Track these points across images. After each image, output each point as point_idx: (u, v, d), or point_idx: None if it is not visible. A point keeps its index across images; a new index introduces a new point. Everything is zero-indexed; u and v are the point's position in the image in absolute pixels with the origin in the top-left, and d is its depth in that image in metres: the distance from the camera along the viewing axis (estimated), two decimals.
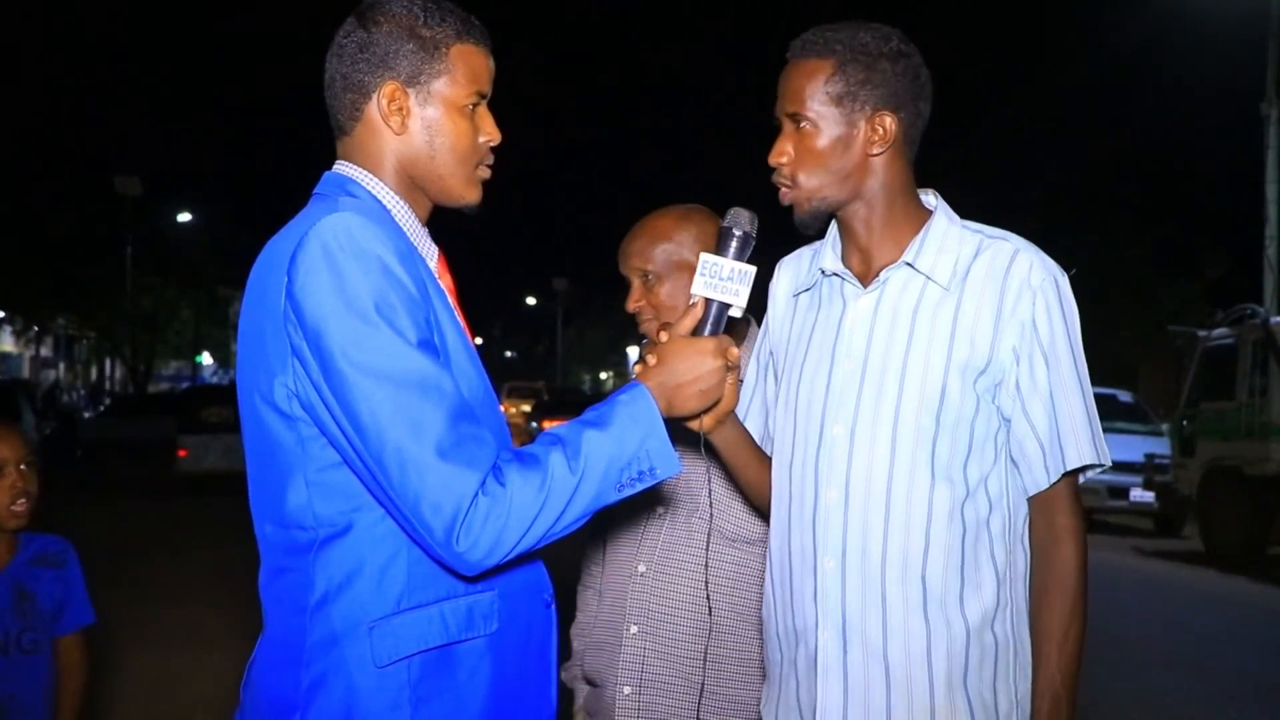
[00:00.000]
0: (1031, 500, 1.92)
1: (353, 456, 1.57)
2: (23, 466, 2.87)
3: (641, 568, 2.39)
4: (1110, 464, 1.92)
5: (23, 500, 2.86)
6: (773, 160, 1.94)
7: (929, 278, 1.92)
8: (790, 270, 2.15)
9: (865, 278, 1.97)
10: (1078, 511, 1.92)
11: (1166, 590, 10.69)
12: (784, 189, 1.95)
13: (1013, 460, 1.92)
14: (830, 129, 1.90)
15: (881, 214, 1.96)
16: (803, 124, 1.91)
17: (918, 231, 1.96)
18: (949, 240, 1.94)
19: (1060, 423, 1.88)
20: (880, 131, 1.91)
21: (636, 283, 2.42)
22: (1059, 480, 1.89)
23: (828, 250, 2.03)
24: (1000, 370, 1.88)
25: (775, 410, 2.10)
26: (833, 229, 2.04)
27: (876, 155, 1.93)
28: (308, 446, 1.60)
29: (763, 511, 2.16)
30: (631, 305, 2.43)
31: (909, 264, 1.93)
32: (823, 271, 2.03)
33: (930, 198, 2.02)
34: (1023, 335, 1.87)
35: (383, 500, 1.58)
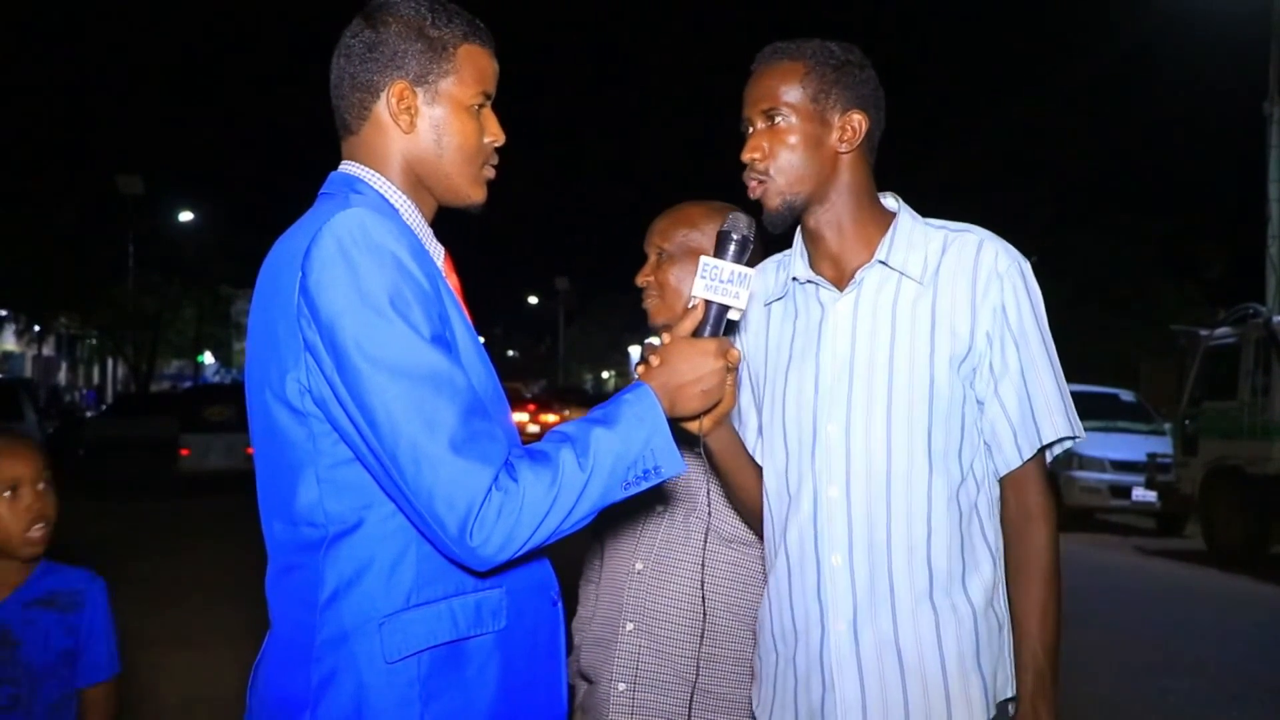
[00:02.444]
0: (1003, 480, 1.99)
1: (365, 452, 1.58)
2: (40, 485, 2.47)
3: (639, 565, 2.41)
4: (1084, 436, 1.99)
5: (41, 525, 2.45)
6: (746, 156, 2.00)
7: (903, 274, 1.98)
8: (758, 280, 2.17)
9: (839, 282, 2.03)
10: (1048, 490, 1.99)
11: (1168, 590, 10.69)
12: (755, 183, 2.00)
13: (985, 442, 1.98)
14: (805, 125, 1.98)
15: (850, 216, 2.02)
16: (778, 120, 1.98)
17: (884, 232, 2.02)
18: (916, 237, 2.01)
19: (1033, 400, 1.94)
20: (850, 130, 1.99)
21: (652, 258, 2.48)
22: (1030, 459, 1.95)
23: (797, 259, 2.08)
24: (978, 356, 1.95)
25: (748, 418, 2.15)
26: (798, 239, 2.09)
27: (845, 154, 2.00)
28: (319, 442, 1.61)
29: (751, 517, 2.20)
30: (640, 279, 2.48)
31: (882, 262, 1.99)
32: (795, 280, 2.07)
33: (890, 200, 2.09)
34: (994, 320, 1.94)
35: (394, 496, 1.58)
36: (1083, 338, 22.43)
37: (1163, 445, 14.74)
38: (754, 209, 2.02)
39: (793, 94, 1.97)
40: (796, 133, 1.97)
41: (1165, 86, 27.78)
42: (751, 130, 2.01)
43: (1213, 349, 13.22)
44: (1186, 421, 13.37)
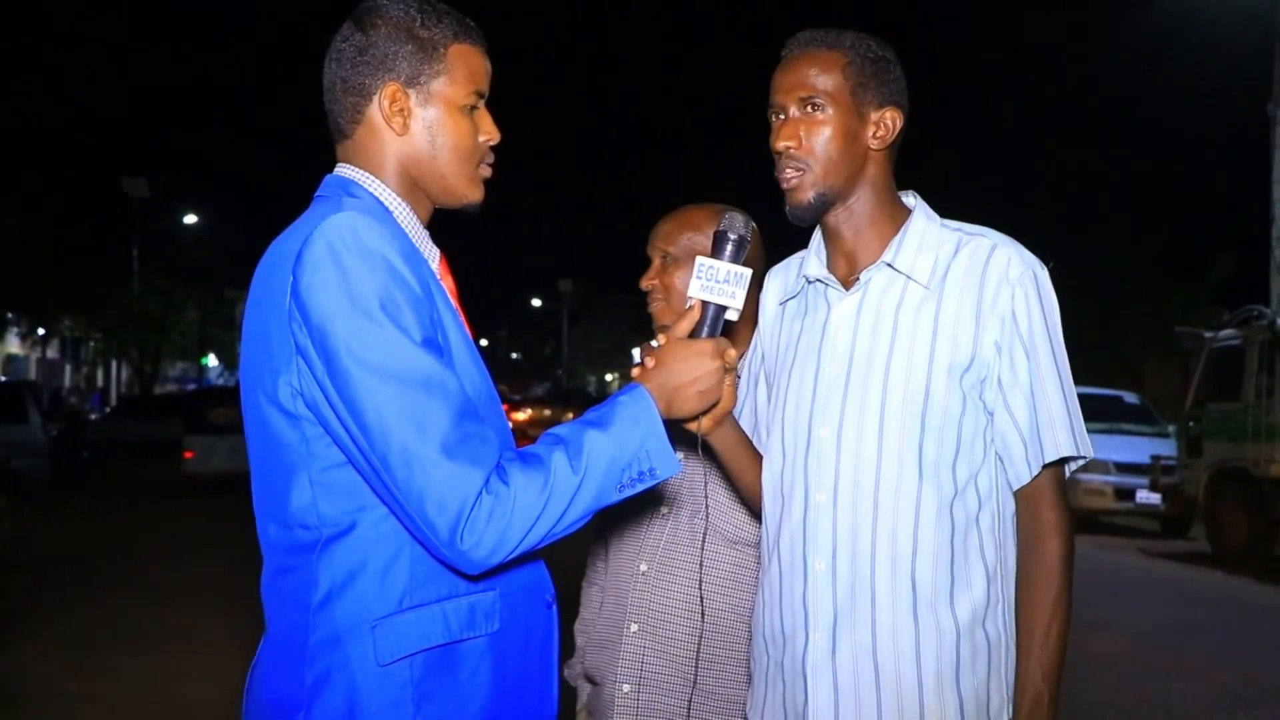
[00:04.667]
0: (1017, 494, 1.93)
1: (357, 455, 1.57)
2: None
3: (644, 566, 2.41)
4: (1092, 455, 1.92)
5: None
6: (780, 144, 1.94)
7: (909, 277, 1.93)
8: (779, 279, 2.17)
9: (849, 282, 1.99)
10: (1063, 505, 1.91)
11: (1173, 591, 10.67)
12: (790, 173, 1.94)
13: (998, 455, 1.92)
14: (843, 116, 1.92)
15: (868, 214, 1.97)
16: (817, 110, 1.92)
17: (898, 232, 1.97)
18: (928, 239, 1.96)
19: (1039, 415, 1.88)
20: (885, 127, 1.94)
21: (656, 262, 2.48)
22: (1041, 473, 1.90)
23: (811, 257, 2.05)
24: (984, 366, 1.89)
25: (763, 417, 2.12)
26: (816, 236, 2.06)
27: (876, 150, 1.95)
28: (312, 446, 1.61)
29: (759, 514, 2.17)
30: (645, 283, 2.48)
31: (889, 264, 1.94)
32: (807, 279, 2.05)
33: (909, 198, 2.03)
34: (1003, 329, 1.88)
35: (387, 499, 1.58)
36: (1087, 340, 22.39)
37: (1167, 447, 14.73)
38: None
39: (833, 83, 1.91)
40: (834, 124, 1.91)
41: (1171, 88, 27.73)
42: (783, 117, 1.95)
43: (1217, 351, 13.19)
44: (1191, 423, 13.35)
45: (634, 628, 2.39)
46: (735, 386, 1.88)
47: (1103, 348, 24.15)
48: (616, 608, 2.44)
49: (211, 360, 43.66)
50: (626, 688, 2.37)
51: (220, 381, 41.99)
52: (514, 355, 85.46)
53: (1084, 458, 1.91)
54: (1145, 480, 14.44)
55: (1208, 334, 13.69)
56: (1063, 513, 1.91)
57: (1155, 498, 14.34)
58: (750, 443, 2.12)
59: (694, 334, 1.81)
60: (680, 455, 1.74)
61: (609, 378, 73.16)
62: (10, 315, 35.91)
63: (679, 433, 1.80)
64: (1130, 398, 16.79)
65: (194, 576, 10.02)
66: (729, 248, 1.85)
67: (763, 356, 2.17)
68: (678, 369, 1.76)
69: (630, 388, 1.74)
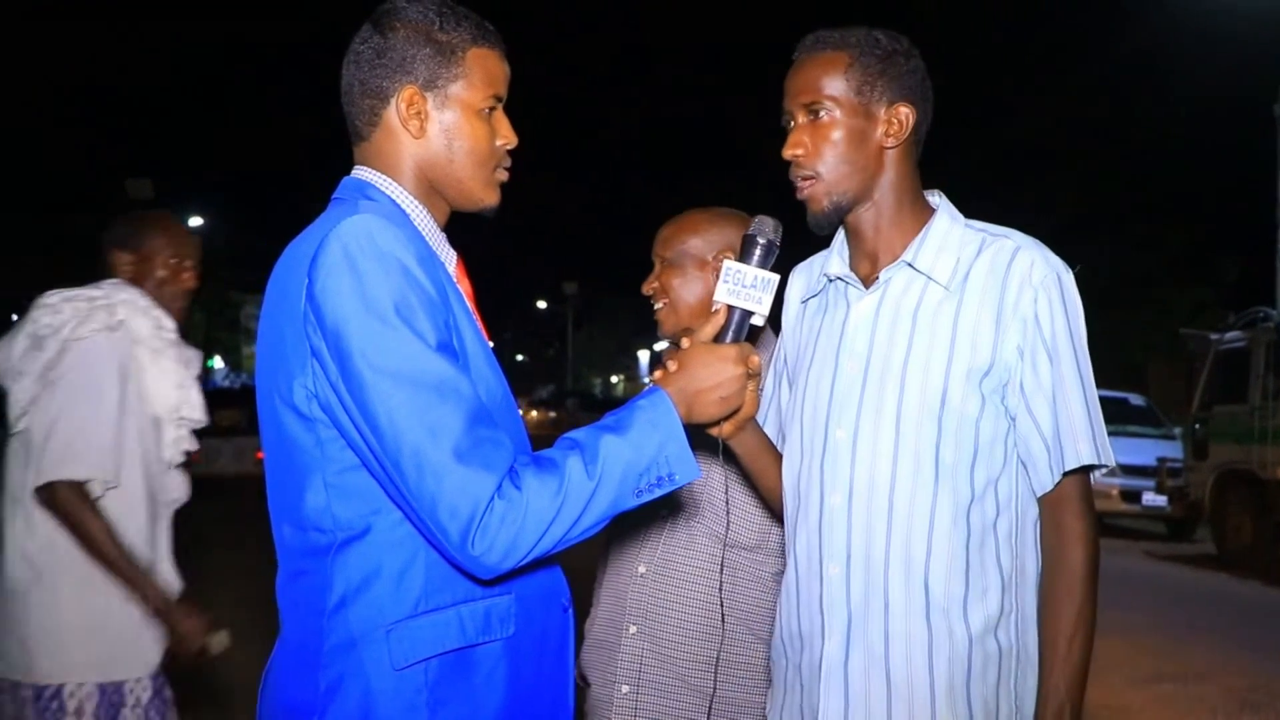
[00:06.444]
0: (1041, 500, 1.89)
1: (370, 458, 1.57)
2: None
3: (642, 568, 2.42)
4: (1113, 464, 1.89)
5: None
6: (789, 153, 1.92)
7: (929, 277, 1.91)
8: (802, 277, 2.15)
9: (870, 280, 1.97)
10: (1088, 513, 1.87)
11: (1178, 594, 10.65)
12: (803, 183, 1.93)
13: (1021, 461, 1.89)
14: (849, 119, 1.90)
15: (890, 213, 1.95)
16: (821, 114, 1.90)
17: (920, 231, 1.95)
18: (950, 239, 1.93)
19: (1060, 421, 1.85)
20: (897, 124, 1.91)
21: (657, 266, 2.49)
22: (1066, 480, 1.86)
23: (834, 256, 2.03)
24: (1006, 370, 1.86)
25: (786, 416, 2.10)
26: (839, 234, 2.04)
27: (891, 148, 1.92)
28: (326, 448, 1.61)
29: (780, 517, 2.17)
30: (646, 287, 2.50)
31: (909, 264, 1.92)
32: (828, 277, 2.03)
33: (935, 198, 2.01)
34: (1025, 332, 1.85)
35: (400, 502, 1.58)
36: (1093, 342, 22.36)
37: (1173, 449, 14.70)
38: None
39: (836, 86, 1.88)
40: (840, 128, 1.89)
41: (1176, 90, 27.67)
42: (793, 125, 1.93)
43: (1223, 353, 13.17)
44: (1197, 425, 13.33)
45: (632, 629, 2.40)
46: (758, 392, 1.85)
47: (1109, 350, 24.14)
48: (615, 608, 2.45)
49: (217, 362, 43.74)
50: (625, 689, 2.38)
51: (225, 384, 42.06)
52: (519, 358, 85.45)
53: (1105, 466, 1.88)
54: (1151, 482, 14.40)
55: (1214, 336, 13.66)
56: (1087, 520, 1.87)
57: (1161, 500, 14.30)
58: (772, 446, 2.10)
59: (719, 338, 1.79)
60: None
61: (614, 380, 73.15)
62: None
63: (698, 438, 1.78)
64: (1136, 399, 16.76)
65: (199, 579, 9.99)
66: (757, 252, 1.82)
67: (785, 356, 2.15)
68: (700, 374, 1.73)
69: (650, 391, 1.72)
